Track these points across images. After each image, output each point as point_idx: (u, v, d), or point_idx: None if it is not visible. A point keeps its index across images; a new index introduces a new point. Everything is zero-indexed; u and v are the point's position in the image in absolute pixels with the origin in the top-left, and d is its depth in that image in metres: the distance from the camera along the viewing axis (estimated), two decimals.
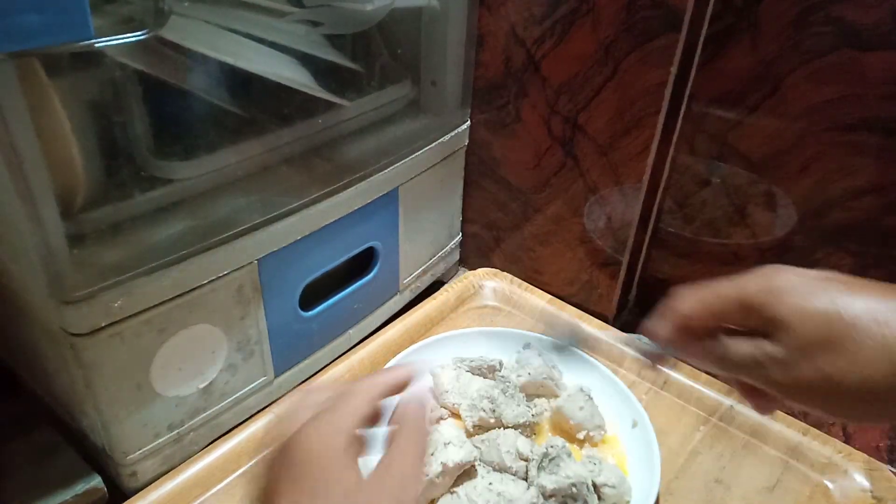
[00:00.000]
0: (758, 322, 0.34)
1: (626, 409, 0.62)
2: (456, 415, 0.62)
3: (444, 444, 0.53)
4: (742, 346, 0.34)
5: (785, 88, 0.64)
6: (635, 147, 0.69)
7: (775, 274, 0.34)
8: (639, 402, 0.61)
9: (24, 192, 0.42)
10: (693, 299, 0.37)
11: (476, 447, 0.57)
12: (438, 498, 0.53)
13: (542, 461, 0.55)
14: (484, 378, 0.65)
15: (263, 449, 0.35)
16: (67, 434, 0.59)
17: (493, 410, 0.60)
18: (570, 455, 0.55)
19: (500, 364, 0.65)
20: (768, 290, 0.33)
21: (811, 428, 0.62)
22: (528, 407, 0.61)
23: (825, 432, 0.62)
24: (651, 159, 0.69)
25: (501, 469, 0.55)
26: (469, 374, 0.65)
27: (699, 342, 0.37)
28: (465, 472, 0.54)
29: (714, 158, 0.71)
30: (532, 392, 0.63)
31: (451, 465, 0.52)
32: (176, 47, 0.51)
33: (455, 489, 0.53)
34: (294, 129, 0.62)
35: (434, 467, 0.51)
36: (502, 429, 0.58)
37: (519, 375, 0.63)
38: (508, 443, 0.56)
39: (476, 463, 0.55)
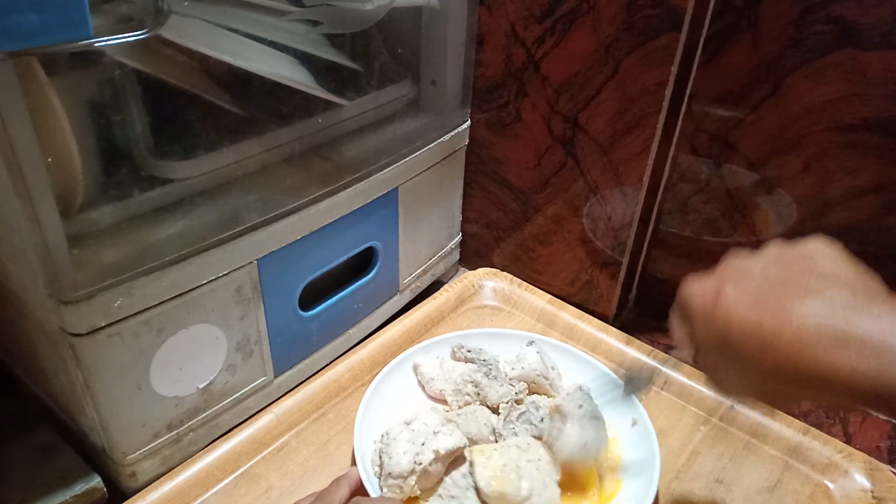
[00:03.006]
0: None
1: (625, 409, 0.62)
2: (444, 401, 0.63)
3: (434, 432, 0.54)
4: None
5: (785, 88, 0.64)
6: (636, 146, 0.69)
7: (686, 296, 0.39)
8: (638, 401, 0.61)
9: (23, 191, 0.42)
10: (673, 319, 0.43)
11: (452, 421, 0.58)
12: (433, 487, 0.53)
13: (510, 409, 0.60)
14: (467, 363, 0.66)
15: None
16: (66, 434, 0.59)
17: (478, 394, 0.61)
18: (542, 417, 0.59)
19: (496, 361, 0.66)
20: (684, 314, 0.40)
21: (811, 428, 0.62)
22: (512, 385, 0.62)
23: (825, 432, 0.62)
24: (651, 159, 0.69)
25: (479, 440, 0.57)
26: (452, 360, 0.66)
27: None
28: (455, 459, 0.55)
29: (714, 158, 0.71)
30: None
31: (443, 452, 0.52)
32: (175, 46, 0.51)
33: (444, 476, 0.54)
34: (293, 129, 0.61)
35: (427, 455, 0.52)
36: (478, 404, 0.61)
37: (513, 368, 0.64)
38: (484, 416, 0.59)
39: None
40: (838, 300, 0.32)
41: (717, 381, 0.39)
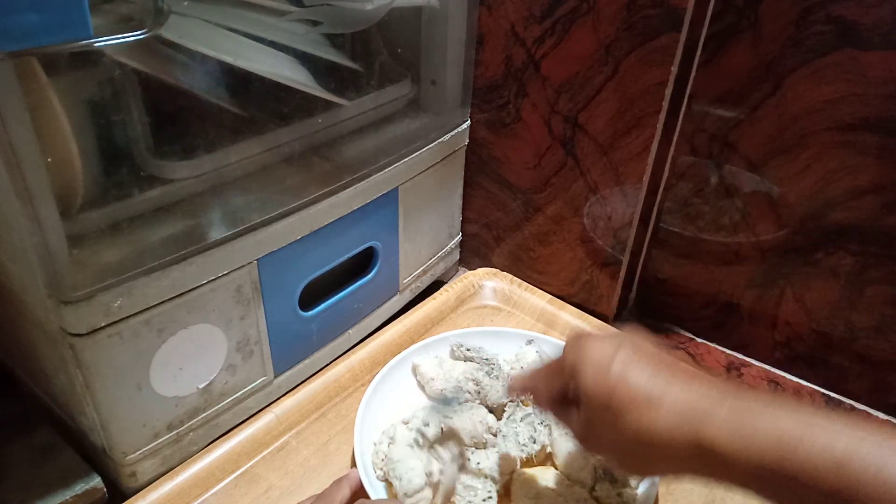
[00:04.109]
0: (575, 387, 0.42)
1: None
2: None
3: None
4: (564, 410, 0.44)
5: (785, 88, 0.64)
6: (636, 146, 0.69)
7: (582, 350, 0.42)
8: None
9: (23, 192, 0.42)
10: (537, 371, 0.48)
11: (448, 417, 0.58)
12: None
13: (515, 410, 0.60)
14: (466, 361, 0.66)
15: None
16: (67, 434, 0.59)
17: (479, 392, 0.61)
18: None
19: (497, 360, 0.66)
20: (574, 366, 0.42)
21: None
22: None
23: None
24: (651, 159, 0.69)
25: (474, 437, 0.57)
26: (451, 359, 0.66)
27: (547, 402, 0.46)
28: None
29: (714, 158, 0.71)
30: None
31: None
32: (175, 46, 0.51)
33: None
34: (293, 129, 0.61)
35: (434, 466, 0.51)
36: (478, 403, 0.61)
37: (512, 367, 0.64)
38: (480, 414, 0.59)
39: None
40: (697, 389, 0.38)
41: (586, 439, 0.43)
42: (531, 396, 0.48)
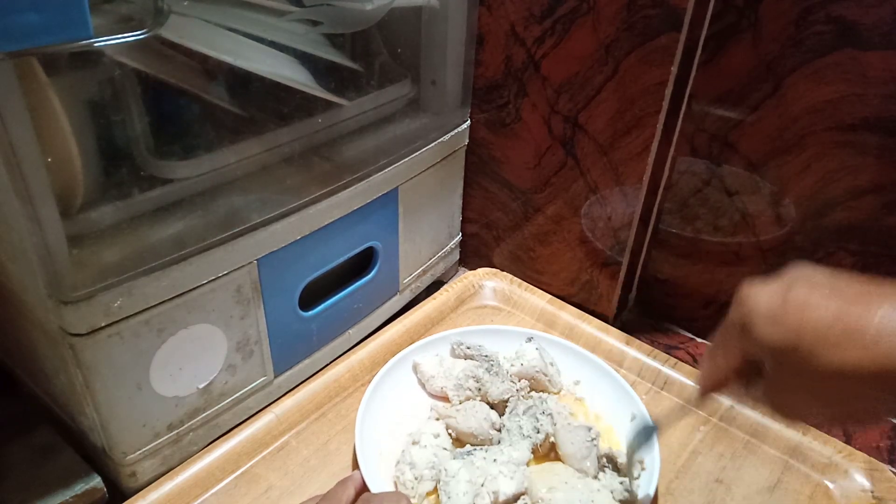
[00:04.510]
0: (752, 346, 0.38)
1: (624, 406, 0.62)
2: (445, 398, 0.63)
3: (492, 475, 0.53)
4: (751, 382, 0.40)
5: (785, 88, 0.64)
6: (636, 147, 0.69)
7: (748, 303, 0.37)
8: (639, 398, 0.61)
9: (23, 192, 0.42)
10: (711, 358, 0.43)
11: (451, 416, 0.59)
12: None
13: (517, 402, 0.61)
14: (466, 359, 0.67)
15: None
16: (66, 434, 0.59)
17: (479, 389, 0.62)
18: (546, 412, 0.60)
19: (497, 357, 0.66)
20: (744, 322, 0.37)
21: (811, 428, 0.62)
22: (513, 382, 0.63)
23: (825, 432, 0.62)
24: (651, 159, 0.69)
25: (479, 434, 0.57)
26: (451, 357, 0.66)
27: (734, 384, 0.42)
28: None
29: (714, 158, 0.71)
30: None
31: (501, 499, 0.51)
32: (175, 46, 0.51)
33: None
34: (293, 129, 0.61)
35: (485, 500, 0.51)
36: (479, 399, 0.61)
37: (512, 365, 0.64)
38: (483, 411, 0.59)
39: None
40: None
41: (781, 403, 0.39)
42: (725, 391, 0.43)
